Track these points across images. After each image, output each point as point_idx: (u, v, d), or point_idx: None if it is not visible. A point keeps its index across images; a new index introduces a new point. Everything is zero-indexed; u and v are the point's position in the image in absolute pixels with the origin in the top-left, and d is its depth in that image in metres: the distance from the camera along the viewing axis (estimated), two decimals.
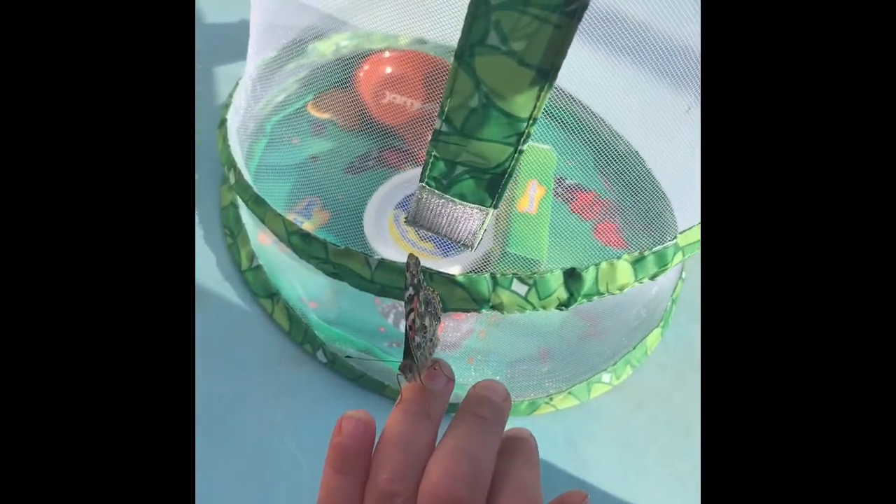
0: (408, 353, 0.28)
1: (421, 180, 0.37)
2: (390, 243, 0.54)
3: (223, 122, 0.56)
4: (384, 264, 0.44)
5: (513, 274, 0.43)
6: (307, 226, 0.56)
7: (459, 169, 0.35)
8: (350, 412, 0.27)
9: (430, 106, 0.60)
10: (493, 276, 0.43)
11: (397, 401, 0.28)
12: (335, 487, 0.27)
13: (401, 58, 0.64)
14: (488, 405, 0.28)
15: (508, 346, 0.52)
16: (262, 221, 0.48)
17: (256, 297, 0.56)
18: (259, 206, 0.49)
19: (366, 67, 0.64)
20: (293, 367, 0.54)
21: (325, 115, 0.62)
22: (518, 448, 0.28)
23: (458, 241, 0.39)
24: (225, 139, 0.55)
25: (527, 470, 0.27)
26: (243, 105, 0.57)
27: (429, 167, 0.36)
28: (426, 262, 0.52)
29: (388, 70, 0.64)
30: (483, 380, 0.29)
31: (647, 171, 0.54)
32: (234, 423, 0.50)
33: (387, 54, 0.65)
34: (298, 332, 0.54)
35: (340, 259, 0.44)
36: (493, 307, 0.43)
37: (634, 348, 0.56)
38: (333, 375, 0.53)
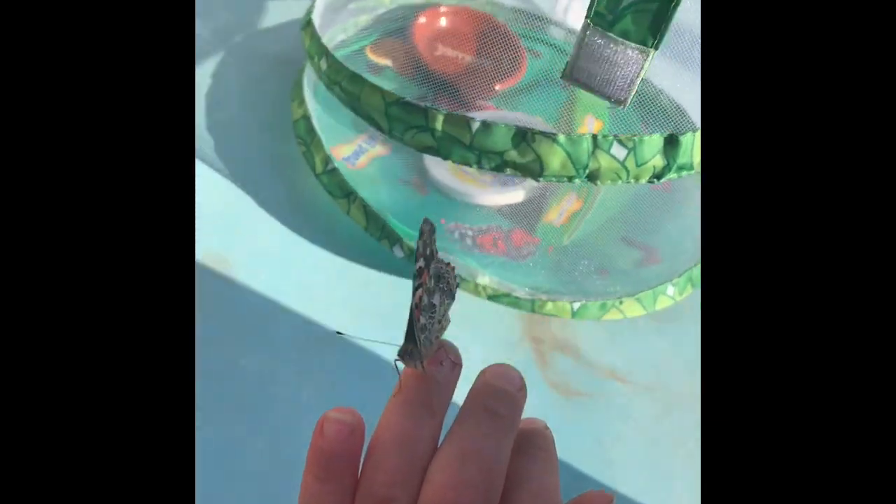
0: (410, 335, 0.24)
1: (587, 16, 0.36)
2: (448, 176, 0.56)
3: (308, 22, 0.55)
4: (485, 126, 0.43)
5: (614, 136, 0.42)
6: (371, 153, 0.58)
7: (625, 1, 0.35)
8: (333, 412, 0.22)
9: (479, 60, 0.61)
10: (593, 137, 0.42)
11: (394, 390, 0.23)
12: (317, 496, 0.22)
13: (455, 12, 0.65)
14: (502, 398, 0.23)
15: (570, 266, 0.54)
16: (359, 98, 0.47)
17: (333, 197, 0.56)
18: (355, 83, 0.48)
19: (422, 20, 0.64)
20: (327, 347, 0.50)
21: (383, 61, 0.61)
22: (534, 444, 0.24)
23: (612, 96, 0.38)
24: (313, 34, 0.54)
25: (545, 471, 0.23)
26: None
27: (595, 1, 0.36)
28: (486, 194, 0.54)
29: (443, 23, 0.64)
30: (495, 364, 0.24)
31: (691, 123, 0.52)
32: (264, 400, 0.47)
33: (442, 8, 0.65)
34: (376, 227, 0.54)
35: (442, 124, 0.44)
36: (590, 174, 0.43)
37: (695, 266, 0.56)
38: (362, 359, 0.49)
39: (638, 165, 0.43)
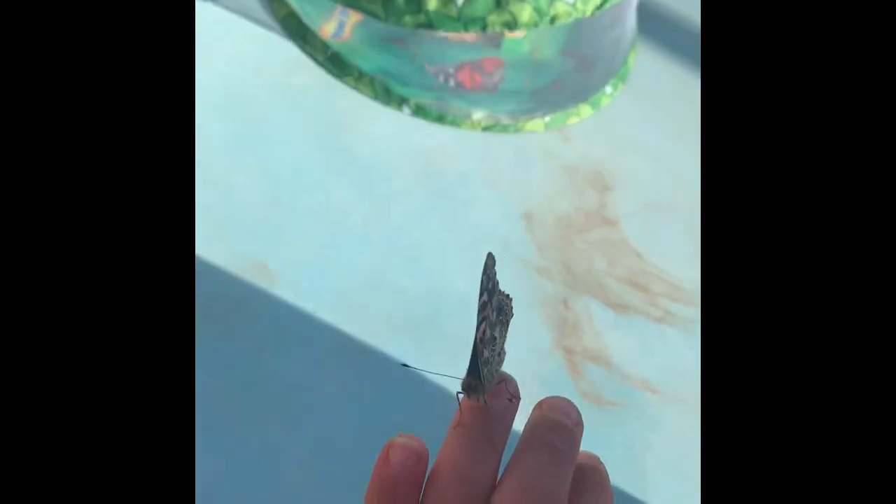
0: (474, 368, 0.23)
1: None
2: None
3: None
4: (469, 1, 0.56)
5: None
6: (351, 21, 0.65)
7: None
8: (400, 438, 0.22)
9: None
10: None
11: (454, 422, 0.23)
12: None
13: None
14: (562, 432, 0.23)
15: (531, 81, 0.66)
16: None
17: (339, 77, 0.64)
18: None
19: None
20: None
21: None
22: (592, 480, 0.24)
23: None
24: None
25: None
26: None
27: None
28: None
29: None
30: (552, 397, 0.24)
31: None
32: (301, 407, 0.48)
33: None
34: (384, 94, 0.64)
35: (434, 4, 0.57)
36: (552, 19, 0.58)
37: (622, 68, 0.70)
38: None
39: (584, 3, 0.59)
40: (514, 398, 0.24)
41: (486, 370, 0.24)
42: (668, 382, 0.54)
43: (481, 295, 0.24)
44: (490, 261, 0.24)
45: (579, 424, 0.23)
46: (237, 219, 0.55)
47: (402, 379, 0.50)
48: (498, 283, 0.25)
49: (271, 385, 0.48)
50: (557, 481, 0.22)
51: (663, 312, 0.57)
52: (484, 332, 0.24)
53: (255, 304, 0.51)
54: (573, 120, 0.67)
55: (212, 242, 0.53)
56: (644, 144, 0.67)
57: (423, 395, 0.50)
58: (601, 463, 0.24)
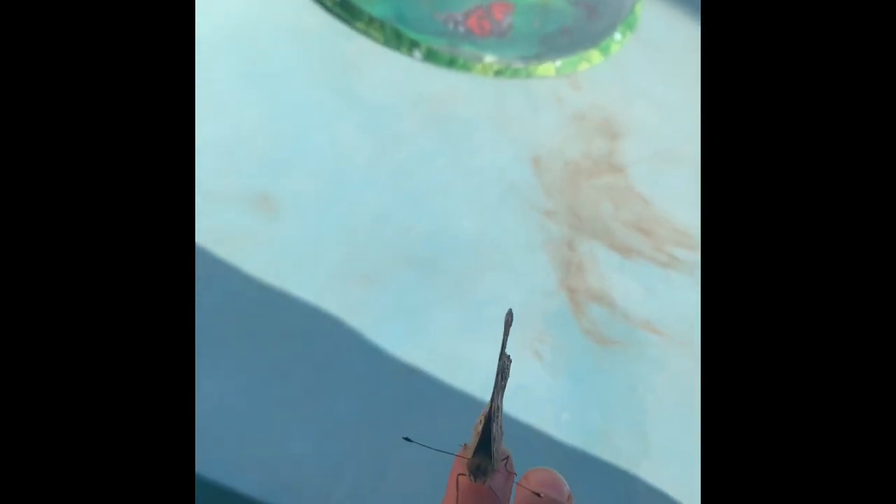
0: (484, 447, 0.21)
1: None
2: None
3: None
4: None
5: None
6: None
7: None
8: None
9: None
10: None
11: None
12: None
13: None
14: None
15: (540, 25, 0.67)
16: None
17: (350, 23, 0.64)
18: None
19: None
20: None
21: None
22: None
23: None
24: None
25: None
26: None
27: None
28: None
29: None
30: (540, 470, 0.22)
31: None
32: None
33: None
34: (394, 39, 0.64)
35: None
36: None
37: (625, 19, 0.70)
38: None
39: None
40: (511, 474, 0.22)
41: (494, 448, 0.22)
42: (672, 324, 0.54)
43: (500, 359, 0.23)
44: (509, 319, 0.23)
45: (571, 498, 0.22)
46: (244, 153, 0.55)
47: (403, 312, 0.50)
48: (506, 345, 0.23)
49: (275, 311, 0.48)
50: None
51: (668, 257, 0.57)
52: (498, 404, 0.22)
53: (260, 233, 0.51)
54: (584, 66, 0.66)
55: (217, 174, 0.53)
56: (653, 94, 0.67)
57: (423, 330, 0.50)
58: None
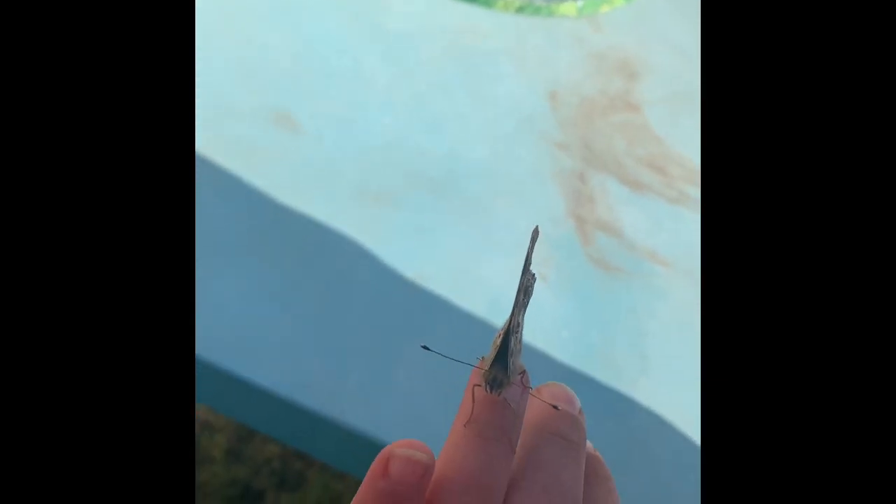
0: (502, 359, 0.21)
1: None
2: None
3: None
4: None
5: None
6: None
7: None
8: (401, 448, 0.19)
9: None
10: None
11: (462, 416, 0.21)
12: None
13: None
14: (572, 423, 0.22)
15: None
16: None
17: None
18: None
19: None
20: None
21: None
22: (600, 475, 0.22)
23: None
24: None
25: (612, 497, 0.22)
26: None
27: None
28: None
29: None
30: (552, 385, 0.23)
31: None
32: None
33: None
34: None
35: None
36: None
37: None
38: None
39: None
40: (527, 388, 0.22)
41: (511, 361, 0.22)
42: (677, 257, 0.55)
43: (523, 274, 0.22)
44: (535, 234, 0.23)
45: (582, 412, 0.22)
46: (269, 73, 0.57)
47: (416, 231, 0.52)
48: (531, 262, 0.23)
49: (289, 223, 0.50)
50: (576, 478, 0.21)
51: (679, 194, 0.58)
52: (518, 318, 0.22)
53: (278, 148, 0.53)
54: (605, 7, 0.67)
55: (241, 92, 0.55)
56: (673, 38, 0.67)
57: (434, 249, 0.52)
58: (599, 457, 0.23)
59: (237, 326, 0.44)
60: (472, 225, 0.53)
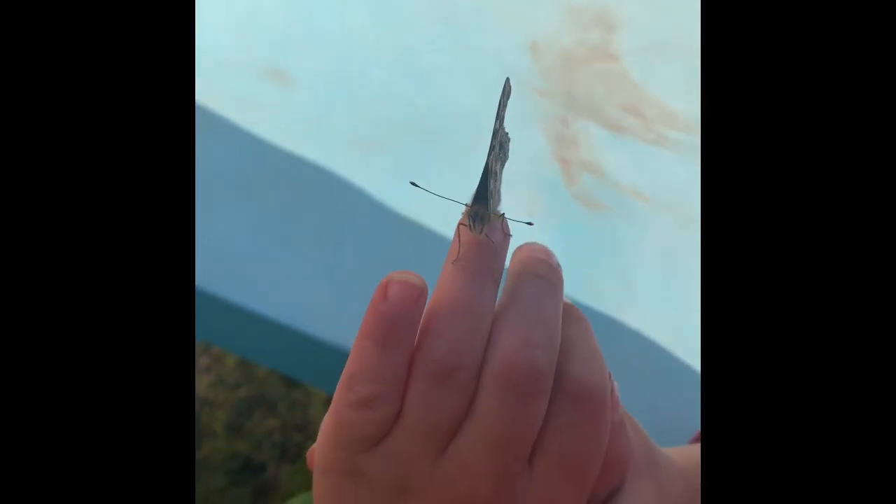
0: (482, 196, 0.24)
1: None
2: None
3: None
4: None
5: None
6: None
7: None
8: (398, 274, 0.21)
9: None
10: None
11: (451, 256, 0.23)
12: (377, 362, 0.21)
13: None
14: (549, 267, 0.24)
15: None
16: None
17: None
18: None
19: None
20: None
21: None
22: (574, 315, 0.24)
23: None
24: None
25: (591, 338, 0.24)
26: None
27: None
28: None
29: None
30: (531, 243, 0.25)
31: None
32: None
33: None
34: None
35: None
36: None
37: None
38: None
39: None
40: (507, 235, 0.24)
41: (491, 201, 0.24)
42: (658, 192, 0.57)
43: (497, 119, 0.25)
44: (507, 87, 0.25)
45: (559, 265, 0.24)
46: (261, 30, 0.59)
47: (407, 174, 0.54)
48: (504, 117, 0.25)
49: (285, 167, 0.52)
50: (553, 309, 0.23)
51: (657, 136, 0.61)
52: (492, 162, 0.24)
53: (273, 100, 0.55)
54: None
55: (235, 47, 0.57)
56: None
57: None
58: (576, 307, 0.25)
59: (238, 259, 0.46)
60: (460, 168, 0.55)
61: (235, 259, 0.46)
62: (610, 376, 0.24)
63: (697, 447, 0.36)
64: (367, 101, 0.57)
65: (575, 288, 0.51)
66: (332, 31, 0.61)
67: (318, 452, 0.24)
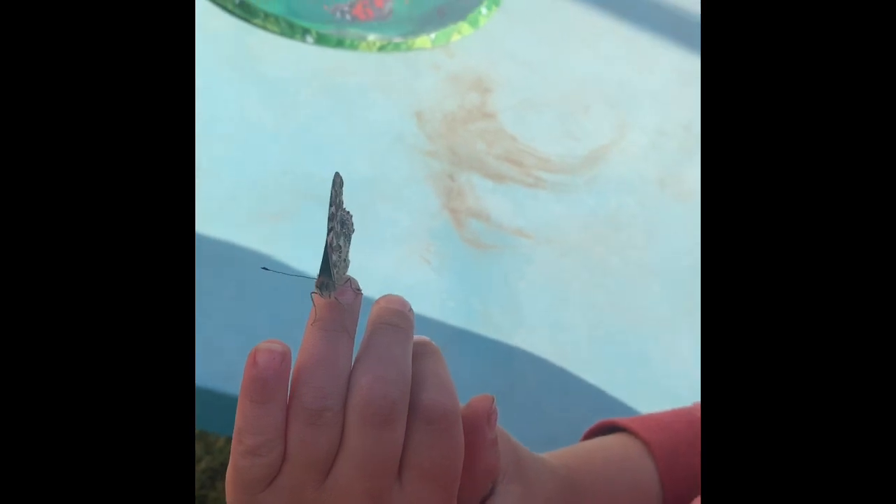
0: (325, 269, 0.28)
1: None
2: None
3: None
4: None
5: None
6: None
7: None
8: (263, 344, 0.26)
9: None
10: None
11: (310, 320, 0.28)
12: (256, 417, 0.26)
13: None
14: (401, 316, 0.28)
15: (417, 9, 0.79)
16: None
17: (249, 20, 0.74)
18: None
19: None
20: None
21: None
22: (427, 350, 0.29)
23: None
24: None
25: (441, 368, 0.29)
26: None
27: None
28: None
29: None
30: (386, 295, 0.29)
31: None
32: None
33: None
34: (288, 29, 0.74)
35: None
36: None
37: None
38: None
39: None
40: (358, 292, 0.29)
41: (335, 272, 0.29)
42: (539, 229, 0.64)
43: (330, 206, 0.30)
44: (338, 179, 0.30)
45: (411, 311, 0.29)
46: None
47: (312, 239, 0.60)
48: (343, 202, 0.31)
49: (198, 246, 0.57)
50: (403, 350, 0.28)
51: (535, 179, 0.68)
52: (332, 239, 0.29)
53: None
54: (455, 36, 0.77)
55: None
56: (517, 54, 0.78)
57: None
58: (431, 342, 0.29)
59: None
60: (360, 227, 0.61)
61: None
62: (493, 401, 0.30)
63: (571, 447, 0.42)
64: (270, 178, 0.63)
65: (469, 322, 0.57)
66: (233, 121, 0.67)
67: (227, 495, 0.29)
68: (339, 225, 0.30)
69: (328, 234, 0.29)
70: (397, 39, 0.76)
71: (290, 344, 0.28)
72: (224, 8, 0.75)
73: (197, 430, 0.96)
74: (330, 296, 0.28)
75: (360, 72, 0.73)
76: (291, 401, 0.27)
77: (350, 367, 0.27)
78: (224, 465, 0.97)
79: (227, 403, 0.51)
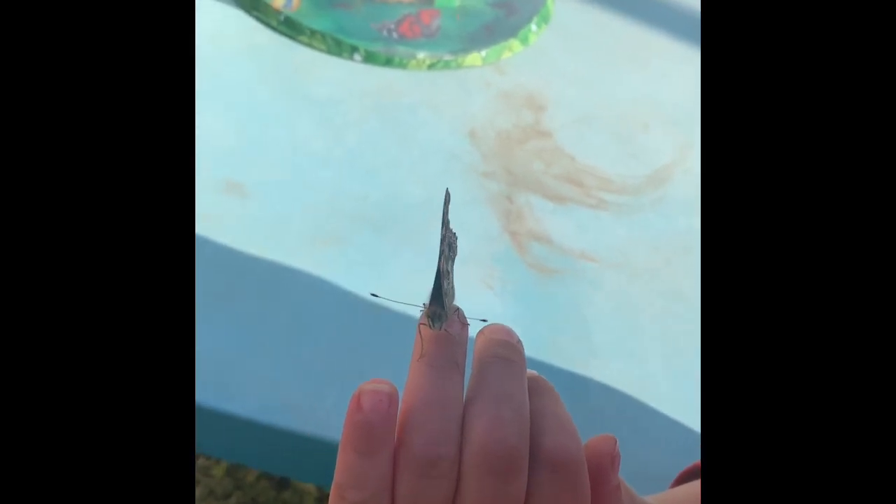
0: (437, 298, 0.26)
1: None
2: None
3: None
4: None
5: None
6: None
7: None
8: (369, 384, 0.23)
9: None
10: None
11: (416, 354, 0.25)
12: (360, 471, 0.23)
13: None
14: (511, 348, 0.26)
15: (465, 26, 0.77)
16: None
17: (294, 38, 0.72)
18: None
19: None
20: None
21: None
22: (542, 386, 0.26)
23: None
24: None
25: (560, 407, 0.26)
26: None
27: None
28: None
29: None
30: (491, 324, 0.27)
31: None
32: None
33: None
34: (335, 46, 0.72)
35: None
36: None
37: (539, 12, 0.79)
38: None
39: None
40: (465, 324, 0.26)
41: (446, 301, 0.26)
42: (603, 253, 0.61)
43: (443, 227, 0.27)
44: (447, 196, 0.27)
45: (520, 342, 0.26)
46: (214, 150, 0.62)
47: (366, 263, 0.57)
48: (449, 221, 0.28)
49: (250, 269, 0.54)
50: (520, 389, 0.25)
51: (597, 200, 0.65)
52: (443, 264, 0.26)
53: (230, 212, 0.58)
54: (506, 54, 0.75)
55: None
56: (568, 72, 0.76)
57: (384, 277, 0.57)
58: (543, 377, 0.27)
59: (216, 365, 0.48)
60: (416, 252, 0.58)
61: (213, 365, 0.48)
62: (615, 443, 0.26)
63: (676, 490, 0.38)
64: (322, 202, 0.60)
65: (539, 351, 0.54)
66: (282, 142, 0.64)
67: None
68: (448, 248, 0.27)
69: (439, 258, 0.26)
70: (447, 57, 0.73)
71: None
72: (268, 25, 0.74)
73: (228, 465, 0.93)
74: (440, 327, 0.25)
75: (411, 90, 0.71)
76: (400, 448, 0.23)
77: (461, 403, 0.24)
78: (255, 502, 0.94)
79: (260, 433, 0.48)
